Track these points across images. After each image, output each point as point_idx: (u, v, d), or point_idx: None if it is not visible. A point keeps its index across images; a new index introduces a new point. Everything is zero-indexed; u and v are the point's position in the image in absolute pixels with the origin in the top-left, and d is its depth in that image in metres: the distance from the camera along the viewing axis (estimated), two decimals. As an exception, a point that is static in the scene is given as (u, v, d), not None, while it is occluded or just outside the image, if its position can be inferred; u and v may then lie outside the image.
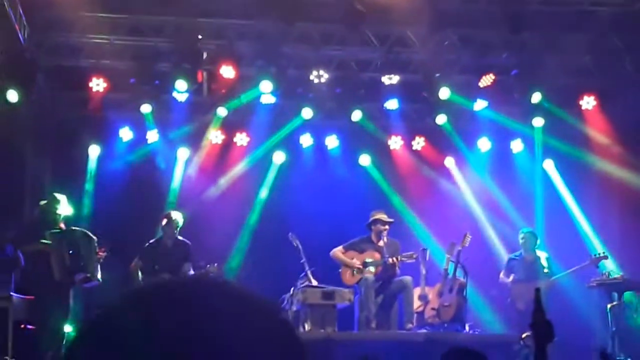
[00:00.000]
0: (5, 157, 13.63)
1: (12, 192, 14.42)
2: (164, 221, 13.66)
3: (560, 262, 14.63)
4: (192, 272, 13.44)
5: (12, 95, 13.97)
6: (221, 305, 1.54)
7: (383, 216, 14.33)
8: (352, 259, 14.17)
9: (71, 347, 1.56)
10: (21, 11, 13.31)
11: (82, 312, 13.09)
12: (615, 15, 14.35)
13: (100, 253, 12.71)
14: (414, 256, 14.02)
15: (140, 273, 13.37)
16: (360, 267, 14.02)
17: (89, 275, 12.54)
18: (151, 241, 13.69)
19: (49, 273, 12.26)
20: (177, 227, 13.64)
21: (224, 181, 16.20)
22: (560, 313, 14.11)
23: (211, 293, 1.57)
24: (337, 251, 14.29)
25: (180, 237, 13.65)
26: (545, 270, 14.25)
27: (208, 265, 13.61)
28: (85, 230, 12.90)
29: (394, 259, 13.94)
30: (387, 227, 14.25)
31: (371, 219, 14.34)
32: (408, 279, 13.96)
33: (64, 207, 12.84)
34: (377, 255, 14.08)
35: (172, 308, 1.52)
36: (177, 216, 13.73)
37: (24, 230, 13.04)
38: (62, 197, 12.84)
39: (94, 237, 12.75)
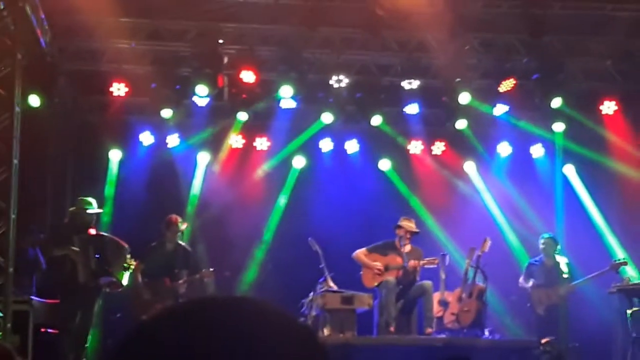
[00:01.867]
0: (27, 161, 13.67)
1: (34, 196, 14.45)
2: (166, 225, 13.70)
3: (581, 268, 14.61)
4: (186, 277, 13.47)
5: (34, 100, 14.06)
6: (258, 329, 1.55)
7: (410, 225, 14.26)
8: (375, 261, 14.15)
9: None
10: (43, 16, 13.36)
11: (103, 315, 13.16)
12: (636, 19, 14.30)
13: (132, 262, 12.80)
14: (436, 261, 13.96)
15: (140, 276, 13.39)
16: (382, 269, 14.00)
17: (114, 280, 12.61)
18: (153, 244, 13.72)
19: (74, 276, 12.34)
20: (179, 231, 13.69)
21: (244, 185, 16.22)
22: (580, 318, 14.16)
23: (249, 314, 1.57)
24: (360, 253, 14.26)
25: (181, 242, 13.70)
26: (565, 276, 14.23)
27: (203, 270, 13.63)
28: (117, 238, 12.97)
29: (416, 263, 13.91)
30: (409, 235, 14.18)
31: (399, 223, 14.26)
32: (428, 283, 13.92)
33: (94, 209, 12.94)
34: (399, 260, 14.05)
35: (206, 330, 1.53)
36: (179, 221, 13.78)
37: (53, 234, 13.11)
38: (90, 200, 12.95)
39: (126, 246, 12.82)
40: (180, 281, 13.47)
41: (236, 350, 1.50)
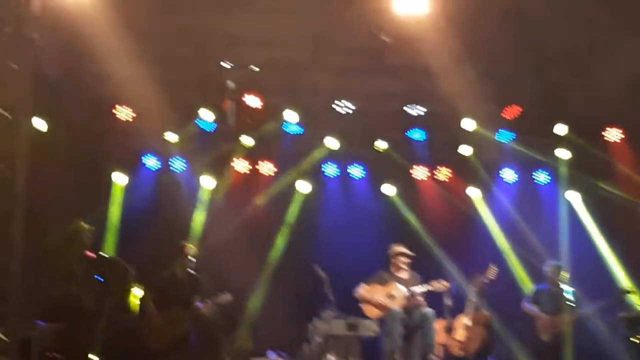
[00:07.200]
0: (32, 186, 13.66)
1: (39, 221, 14.40)
2: (177, 252, 13.61)
3: (586, 295, 14.56)
4: (200, 304, 13.34)
5: (40, 124, 14.05)
6: None
7: (404, 250, 14.23)
8: (377, 292, 14.00)
9: None
10: (49, 40, 13.36)
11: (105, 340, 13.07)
12: (642, 47, 14.31)
13: (137, 287, 12.72)
14: (446, 284, 13.83)
15: (152, 304, 13.23)
16: (386, 304, 13.84)
17: (118, 302, 12.52)
18: (162, 272, 13.60)
19: (78, 302, 12.26)
20: (189, 259, 13.61)
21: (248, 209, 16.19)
22: (586, 346, 14.11)
23: None
24: (362, 290, 14.08)
25: (189, 270, 13.61)
26: (571, 304, 14.17)
27: (221, 295, 13.54)
28: (120, 260, 12.89)
29: (425, 287, 13.80)
30: (408, 260, 14.14)
31: (391, 252, 14.24)
32: (429, 311, 13.80)
33: (89, 235, 12.85)
34: (401, 287, 13.91)
35: None
36: (191, 249, 13.72)
37: (50, 262, 12.89)
38: (86, 225, 12.87)
39: (131, 270, 12.73)
40: (198, 305, 13.32)
41: None
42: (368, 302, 14.00)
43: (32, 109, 13.04)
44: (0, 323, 10.18)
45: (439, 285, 13.85)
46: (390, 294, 13.92)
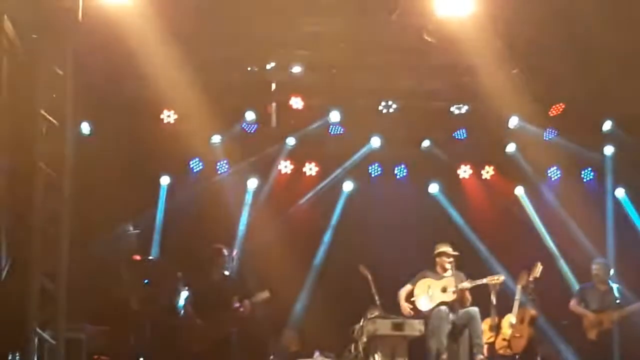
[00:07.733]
0: (78, 189, 13.79)
1: (85, 222, 14.54)
2: (213, 255, 13.58)
3: (633, 293, 14.47)
4: (238, 304, 13.30)
5: (85, 127, 14.16)
6: None
7: (448, 249, 14.07)
8: (429, 287, 13.81)
9: None
10: (93, 44, 13.48)
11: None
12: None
13: (184, 288, 12.79)
14: (500, 279, 13.63)
15: (190, 306, 13.23)
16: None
17: (167, 304, 12.60)
18: (199, 277, 13.56)
19: (126, 304, 12.38)
20: (225, 261, 13.60)
21: (293, 210, 16.24)
22: (632, 344, 14.01)
23: None
24: (402, 292, 13.97)
25: (226, 272, 13.61)
26: (618, 301, 14.09)
27: (258, 293, 13.52)
28: (169, 264, 12.99)
29: (479, 282, 13.66)
30: (451, 259, 13.96)
31: (436, 251, 14.11)
32: (474, 310, 13.64)
33: (135, 238, 12.97)
34: (453, 282, 13.74)
35: None
36: (225, 251, 13.70)
37: (97, 265, 13.03)
38: (133, 228, 12.99)
39: (178, 273, 12.79)
40: (237, 306, 13.31)
41: None
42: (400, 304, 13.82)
43: (78, 114, 13.21)
44: (48, 325, 10.26)
45: (494, 280, 13.69)
46: (445, 287, 13.73)
